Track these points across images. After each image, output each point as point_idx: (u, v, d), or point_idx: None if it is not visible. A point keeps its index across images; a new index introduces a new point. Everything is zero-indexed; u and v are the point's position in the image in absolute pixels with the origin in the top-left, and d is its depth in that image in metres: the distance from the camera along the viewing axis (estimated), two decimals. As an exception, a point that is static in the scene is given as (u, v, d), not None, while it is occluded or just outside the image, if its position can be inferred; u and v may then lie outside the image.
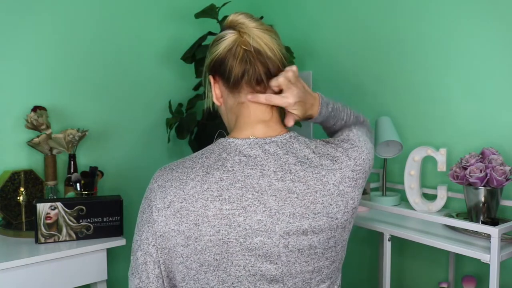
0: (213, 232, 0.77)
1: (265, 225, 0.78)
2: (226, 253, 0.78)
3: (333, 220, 0.81)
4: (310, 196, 0.80)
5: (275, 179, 0.80)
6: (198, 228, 0.78)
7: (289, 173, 0.80)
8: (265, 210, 0.78)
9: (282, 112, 0.91)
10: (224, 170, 0.80)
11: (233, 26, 0.86)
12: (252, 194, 0.79)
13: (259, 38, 0.83)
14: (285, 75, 0.84)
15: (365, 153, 0.87)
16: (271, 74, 0.84)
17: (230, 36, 0.84)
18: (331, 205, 0.81)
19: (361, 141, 0.89)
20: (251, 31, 0.83)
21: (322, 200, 0.80)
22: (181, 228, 0.78)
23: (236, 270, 0.78)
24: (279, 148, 0.83)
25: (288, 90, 0.85)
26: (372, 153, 0.91)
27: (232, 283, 0.79)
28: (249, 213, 0.78)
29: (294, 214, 0.79)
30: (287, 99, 0.85)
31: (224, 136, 0.87)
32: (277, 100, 0.84)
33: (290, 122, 0.88)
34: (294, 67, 0.86)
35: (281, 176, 0.80)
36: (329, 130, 1.01)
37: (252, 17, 0.86)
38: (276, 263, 0.79)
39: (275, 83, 0.84)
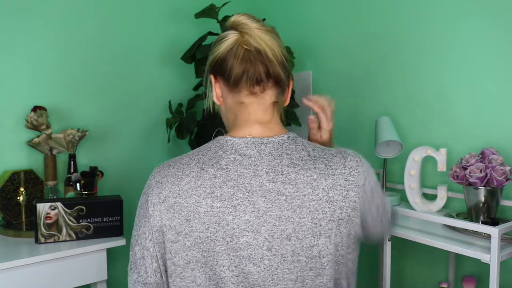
0: (202, 229, 0.78)
1: (251, 226, 0.78)
2: (213, 251, 0.78)
3: (316, 227, 0.79)
4: (298, 199, 0.79)
5: (266, 180, 0.80)
6: (189, 224, 0.78)
7: (281, 174, 0.80)
8: (253, 211, 0.78)
9: (284, 113, 0.91)
10: (218, 168, 0.80)
11: (235, 27, 0.86)
12: (243, 193, 0.79)
13: (260, 39, 0.84)
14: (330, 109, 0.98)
15: (363, 169, 0.84)
16: (271, 74, 0.84)
17: (231, 37, 0.85)
18: (317, 210, 0.79)
19: (366, 164, 0.86)
20: (252, 32, 0.84)
21: (309, 205, 0.79)
22: (173, 224, 0.79)
23: (221, 270, 0.78)
24: (275, 149, 0.82)
25: (330, 120, 0.98)
26: (372, 178, 0.85)
27: (217, 282, 0.79)
28: (238, 212, 0.78)
29: (280, 217, 0.78)
30: (329, 124, 0.99)
31: (223, 134, 0.87)
32: (324, 119, 0.98)
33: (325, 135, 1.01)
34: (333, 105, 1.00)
35: (272, 177, 0.80)
36: None
37: (254, 18, 0.87)
38: (259, 265, 0.78)
39: (318, 103, 0.98)
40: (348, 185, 0.82)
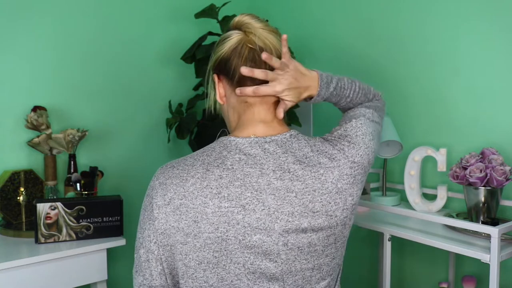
0: (211, 230, 0.78)
1: (264, 223, 0.78)
2: (225, 250, 0.78)
3: (332, 218, 0.82)
4: (308, 195, 0.80)
5: (274, 178, 0.80)
6: (197, 225, 0.78)
7: (288, 172, 0.81)
8: (263, 209, 0.79)
9: (287, 112, 0.91)
10: (224, 168, 0.80)
11: (239, 27, 0.87)
12: (251, 192, 0.79)
13: (265, 38, 0.85)
14: (274, 65, 0.83)
15: (363, 148, 0.87)
16: None
17: (235, 36, 0.86)
18: (330, 203, 0.81)
19: (358, 136, 0.88)
20: (257, 31, 0.85)
21: (321, 199, 0.81)
22: (180, 225, 0.79)
23: (235, 267, 0.79)
24: (279, 147, 0.83)
25: (275, 79, 0.84)
26: (372, 146, 0.89)
27: (232, 281, 0.79)
28: (248, 211, 0.78)
29: (293, 213, 0.79)
30: (274, 88, 0.84)
31: (227, 135, 0.87)
32: (264, 90, 0.84)
33: (280, 113, 0.87)
34: (284, 49, 0.85)
35: (280, 175, 0.80)
36: (336, 106, 1.02)
37: (258, 18, 0.87)
38: (276, 261, 0.79)
39: (262, 75, 0.83)
40: (354, 171, 0.85)
